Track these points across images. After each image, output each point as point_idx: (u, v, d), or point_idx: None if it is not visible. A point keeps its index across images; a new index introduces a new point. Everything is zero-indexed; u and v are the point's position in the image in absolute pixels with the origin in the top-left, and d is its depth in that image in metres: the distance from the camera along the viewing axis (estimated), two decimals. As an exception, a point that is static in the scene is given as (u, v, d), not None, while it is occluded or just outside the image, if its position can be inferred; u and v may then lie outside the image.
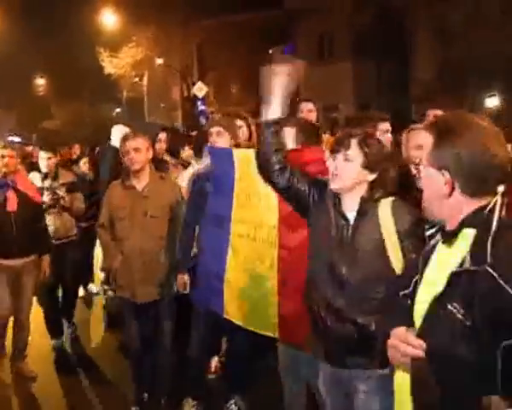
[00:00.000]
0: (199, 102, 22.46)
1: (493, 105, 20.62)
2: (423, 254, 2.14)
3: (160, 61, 30.38)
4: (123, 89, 33.80)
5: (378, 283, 2.70)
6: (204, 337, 4.71)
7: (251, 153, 3.97)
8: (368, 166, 2.78)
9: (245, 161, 3.86)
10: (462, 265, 1.87)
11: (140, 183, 4.70)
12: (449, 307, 1.85)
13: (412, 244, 2.64)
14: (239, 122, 4.94)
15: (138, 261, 4.63)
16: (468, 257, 1.86)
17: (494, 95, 20.67)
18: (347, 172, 2.79)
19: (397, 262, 2.68)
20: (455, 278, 1.88)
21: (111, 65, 28.55)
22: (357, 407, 2.87)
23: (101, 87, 34.48)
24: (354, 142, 2.79)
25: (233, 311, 3.98)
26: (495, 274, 1.76)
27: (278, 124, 2.92)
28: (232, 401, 4.76)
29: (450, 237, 1.98)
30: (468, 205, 1.94)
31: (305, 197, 2.99)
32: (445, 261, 1.97)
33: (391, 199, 2.79)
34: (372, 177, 2.80)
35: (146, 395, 4.92)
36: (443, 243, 2.02)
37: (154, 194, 4.68)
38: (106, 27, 28.87)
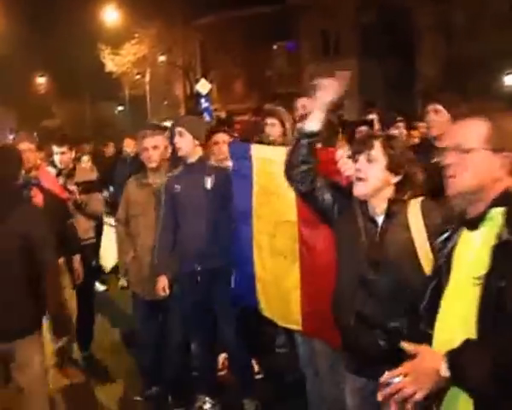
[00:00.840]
0: (202, 100, 22.27)
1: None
2: (443, 258, 2.12)
3: (162, 58, 30.26)
4: (125, 87, 33.68)
5: (408, 284, 2.60)
6: (210, 334, 4.76)
7: (269, 150, 4.04)
8: (391, 167, 2.71)
9: (262, 157, 3.93)
10: (499, 239, 1.92)
11: (155, 180, 4.71)
12: (499, 283, 1.88)
13: None
14: (270, 120, 4.76)
15: (148, 258, 4.66)
16: (505, 230, 1.92)
17: None
18: (372, 174, 2.71)
19: (426, 262, 2.56)
20: (497, 252, 1.92)
21: (113, 62, 28.41)
22: None
23: (102, 85, 34.43)
24: (377, 143, 2.73)
25: (265, 306, 4.05)
26: None
27: (316, 136, 2.95)
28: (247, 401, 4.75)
29: (476, 221, 2.02)
30: (499, 186, 2.00)
31: (328, 208, 2.99)
32: (483, 243, 1.99)
33: (420, 199, 2.73)
34: (396, 179, 2.73)
35: (154, 388, 4.98)
36: (468, 229, 2.05)
37: None
38: (107, 24, 28.74)
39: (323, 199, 2.97)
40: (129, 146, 8.76)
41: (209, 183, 4.43)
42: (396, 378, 1.93)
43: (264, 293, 4.02)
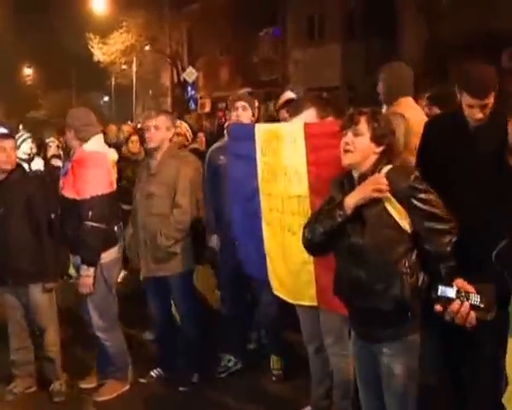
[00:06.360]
0: (189, 88, 22.48)
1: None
2: None
3: (149, 47, 30.26)
4: (112, 76, 33.60)
5: (393, 245, 2.90)
6: (236, 295, 5.07)
7: (274, 128, 4.08)
8: (375, 139, 2.98)
9: (267, 135, 3.94)
10: None
11: (154, 161, 4.80)
12: None
13: (416, 198, 2.85)
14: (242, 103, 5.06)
15: (141, 237, 4.81)
16: None
17: None
18: (358, 146, 2.98)
19: (403, 221, 2.88)
20: None
21: (101, 52, 28.36)
22: (381, 371, 3.05)
23: (89, 75, 34.27)
24: (363, 118, 2.99)
25: (276, 285, 4.09)
26: None
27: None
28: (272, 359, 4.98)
29: None
30: None
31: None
32: None
33: (388, 167, 2.97)
34: (379, 149, 3.00)
35: (157, 370, 5.10)
36: None
37: (160, 172, 4.75)
38: (95, 13, 28.62)
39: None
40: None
41: None
42: (448, 291, 2.18)
43: (275, 272, 4.05)
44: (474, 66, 3.44)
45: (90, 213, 4.49)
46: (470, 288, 2.16)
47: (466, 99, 3.34)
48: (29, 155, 7.18)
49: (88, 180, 4.56)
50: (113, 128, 10.18)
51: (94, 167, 4.63)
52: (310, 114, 3.71)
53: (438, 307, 2.18)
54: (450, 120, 3.61)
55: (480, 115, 3.33)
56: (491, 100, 3.30)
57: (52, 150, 7.96)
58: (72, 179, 4.59)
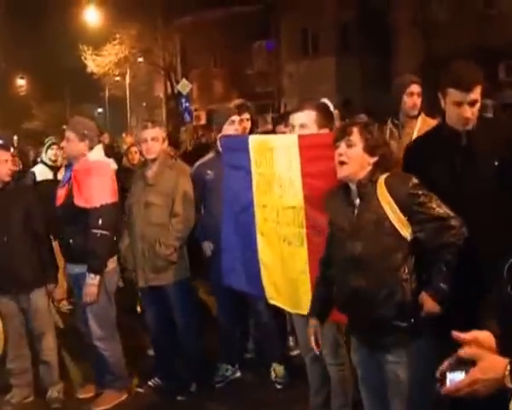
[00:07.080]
0: (183, 100, 22.52)
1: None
2: None
3: (143, 58, 30.32)
4: (106, 88, 33.61)
5: (392, 252, 2.92)
6: (230, 304, 5.09)
7: (268, 139, 4.14)
8: (368, 149, 3.00)
9: (261, 146, 3.97)
10: None
11: (150, 171, 4.84)
12: None
13: (416, 204, 2.88)
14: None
15: (139, 247, 4.81)
16: None
17: None
18: (352, 157, 2.99)
19: (404, 230, 2.91)
20: None
21: (94, 63, 28.38)
22: (387, 377, 3.07)
23: (83, 87, 34.25)
24: (355, 128, 3.02)
25: (272, 293, 4.10)
26: None
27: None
28: (271, 368, 5.02)
29: None
30: None
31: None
32: None
33: (384, 176, 2.99)
34: (373, 160, 3.01)
35: (155, 379, 5.10)
36: None
37: (158, 182, 4.79)
38: (89, 25, 28.64)
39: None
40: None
41: None
42: (456, 376, 1.82)
43: (271, 281, 4.06)
44: (457, 62, 3.36)
45: (100, 221, 4.48)
46: (476, 352, 1.81)
47: (454, 97, 3.17)
48: (54, 161, 7.13)
49: (96, 188, 4.56)
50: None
51: (100, 176, 4.64)
52: (309, 115, 3.71)
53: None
54: (436, 136, 3.48)
55: (468, 114, 3.16)
56: (478, 96, 3.15)
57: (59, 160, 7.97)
58: (77, 188, 4.56)
